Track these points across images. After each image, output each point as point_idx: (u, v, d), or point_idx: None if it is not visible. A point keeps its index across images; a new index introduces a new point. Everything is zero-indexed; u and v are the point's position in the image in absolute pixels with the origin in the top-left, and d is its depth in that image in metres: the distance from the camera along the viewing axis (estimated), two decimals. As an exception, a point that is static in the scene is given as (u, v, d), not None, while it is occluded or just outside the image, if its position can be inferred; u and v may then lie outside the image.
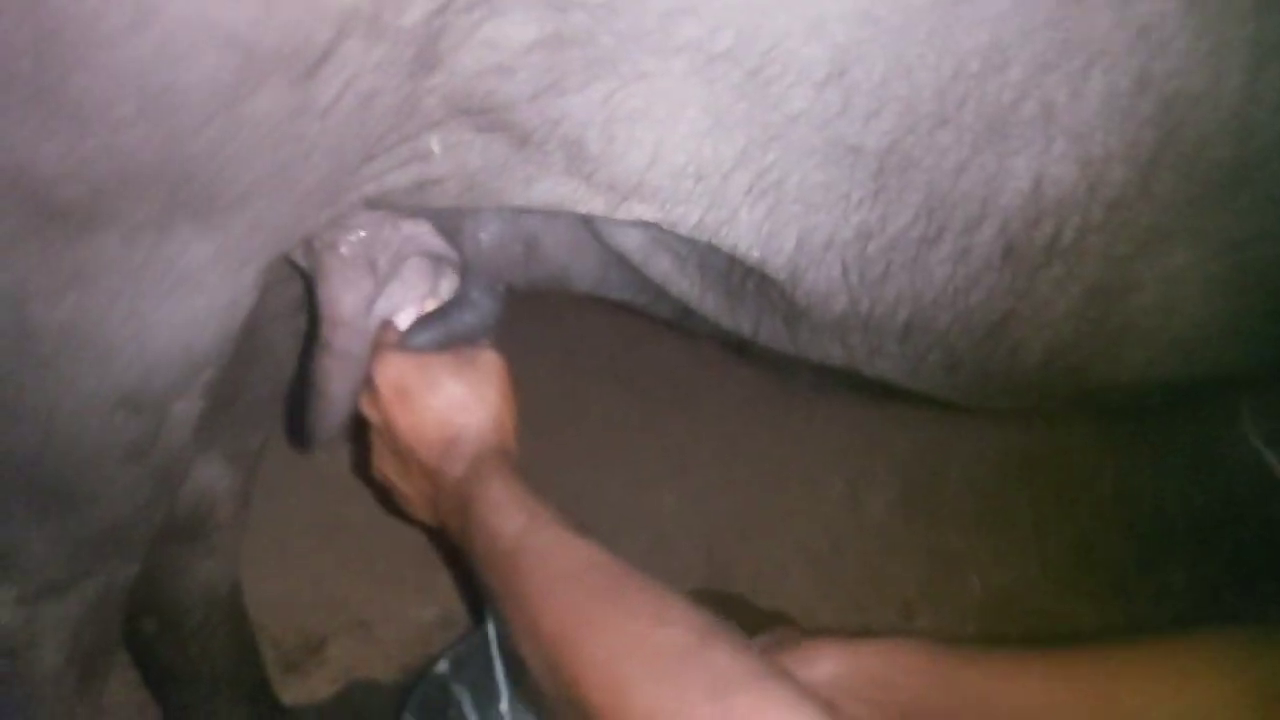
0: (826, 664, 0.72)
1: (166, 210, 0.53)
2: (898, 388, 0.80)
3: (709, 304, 0.72)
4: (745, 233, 0.57)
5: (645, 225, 0.63)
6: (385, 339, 0.71)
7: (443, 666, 0.90)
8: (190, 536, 0.90)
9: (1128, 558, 1.50)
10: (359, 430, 0.75)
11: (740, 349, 0.86)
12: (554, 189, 0.57)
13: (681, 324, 0.83)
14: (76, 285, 0.54)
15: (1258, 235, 0.61)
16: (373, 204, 0.61)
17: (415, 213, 0.66)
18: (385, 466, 0.73)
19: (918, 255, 0.60)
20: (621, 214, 0.57)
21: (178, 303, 0.57)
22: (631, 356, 1.89)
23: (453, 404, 0.67)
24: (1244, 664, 0.61)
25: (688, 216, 0.56)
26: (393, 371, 0.68)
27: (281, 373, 0.84)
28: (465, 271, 0.69)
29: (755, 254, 0.59)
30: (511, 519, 0.58)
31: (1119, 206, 0.58)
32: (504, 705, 0.95)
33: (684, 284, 0.70)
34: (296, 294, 0.78)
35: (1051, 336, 0.67)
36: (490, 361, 0.70)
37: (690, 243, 0.65)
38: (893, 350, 0.70)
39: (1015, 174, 0.56)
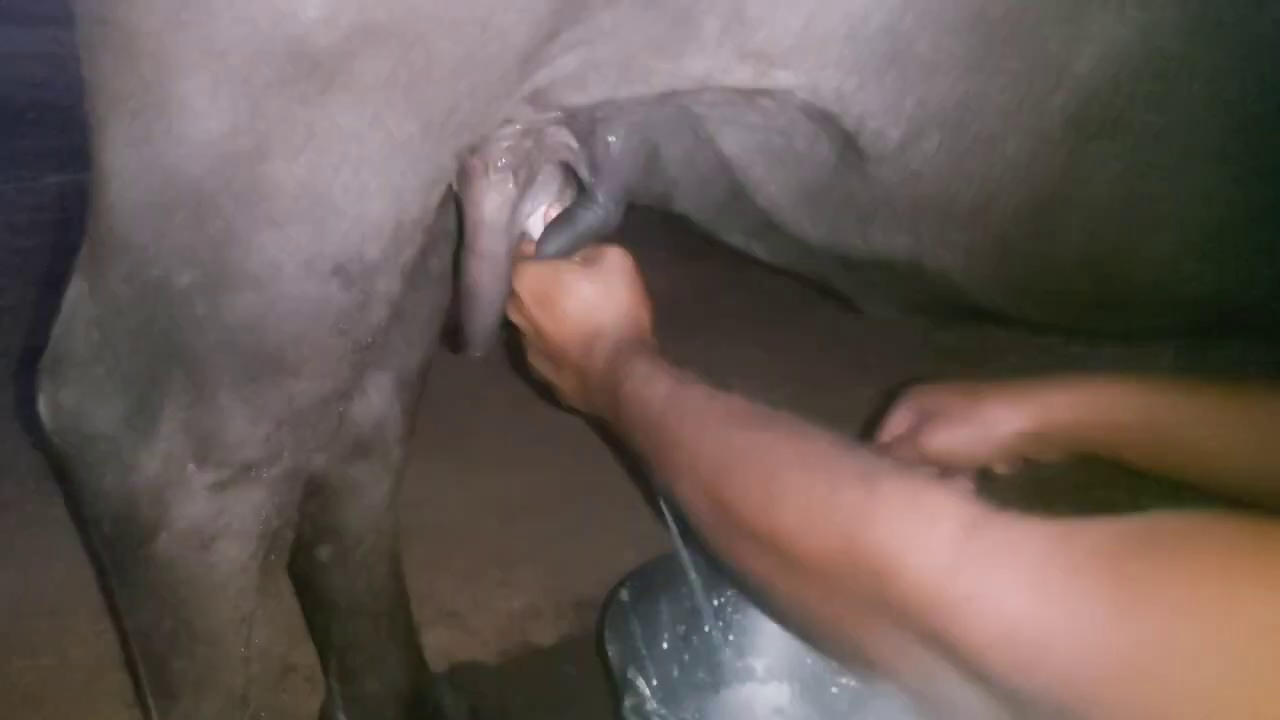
0: (1011, 423, 0.79)
1: (392, 74, 0.57)
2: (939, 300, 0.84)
3: (789, 210, 0.79)
4: (875, 100, 0.65)
5: (754, 129, 0.68)
6: (522, 252, 0.78)
7: (625, 595, 0.99)
8: (367, 454, 0.93)
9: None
10: (511, 334, 0.82)
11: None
12: (703, 63, 0.63)
13: (748, 248, 0.88)
14: (313, 146, 0.58)
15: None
16: (536, 99, 0.66)
17: (557, 121, 0.71)
18: (539, 365, 0.79)
19: (998, 128, 0.68)
20: (764, 82, 0.64)
21: (392, 172, 0.61)
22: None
23: (588, 304, 0.73)
24: None
25: (828, 82, 0.64)
26: (531, 281, 0.76)
27: (440, 298, 0.90)
28: (593, 177, 0.74)
29: (874, 124, 0.66)
30: (660, 385, 0.64)
31: (1166, 82, 0.65)
32: (665, 644, 1.03)
33: (772, 189, 0.78)
34: (452, 225, 0.84)
35: (1088, 218, 0.74)
36: (616, 258, 0.76)
37: (789, 145, 0.70)
38: (954, 237, 0.77)
39: (1090, 39, 0.62)
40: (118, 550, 0.68)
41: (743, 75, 0.63)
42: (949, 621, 0.41)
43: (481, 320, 0.75)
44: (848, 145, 0.69)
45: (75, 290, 0.64)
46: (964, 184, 0.71)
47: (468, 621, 1.42)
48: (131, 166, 0.60)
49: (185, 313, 0.62)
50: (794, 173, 0.74)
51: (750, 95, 0.64)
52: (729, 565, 0.56)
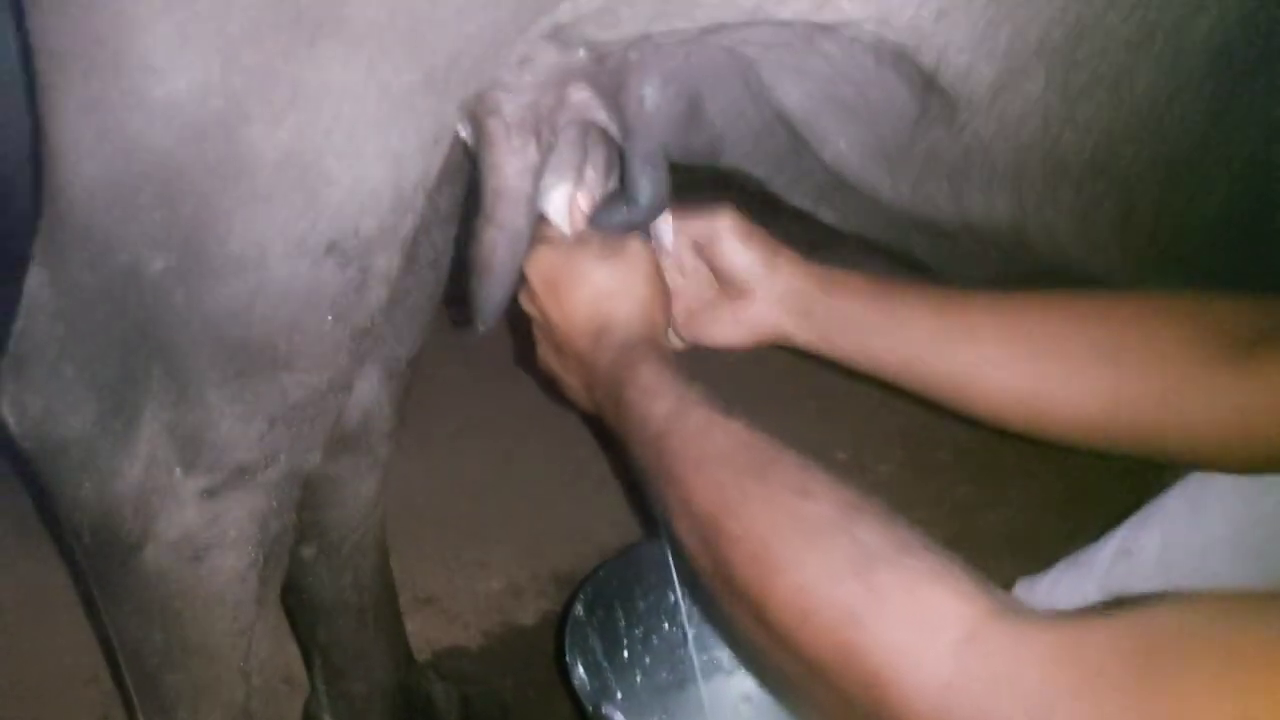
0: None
1: (389, 17, 0.51)
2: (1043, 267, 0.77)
3: (863, 168, 0.70)
4: (958, 33, 0.55)
5: (817, 77, 0.62)
6: (538, 233, 0.71)
7: (579, 609, 0.95)
8: (354, 449, 0.87)
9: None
10: (519, 321, 0.75)
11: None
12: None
13: (814, 207, 0.81)
14: (299, 106, 0.51)
15: None
16: (558, 35, 0.59)
17: (582, 75, 0.65)
18: (547, 358, 0.74)
19: (1125, 63, 0.57)
20: (826, 15, 0.55)
21: (390, 132, 0.55)
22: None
23: (599, 295, 0.68)
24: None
25: (901, 12, 0.55)
26: (543, 265, 0.70)
27: (432, 284, 0.83)
28: (625, 142, 0.68)
29: (961, 61, 0.57)
30: (660, 402, 0.59)
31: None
32: (626, 653, 0.99)
33: (842, 144, 0.69)
34: (451, 201, 0.77)
35: (1238, 171, 0.63)
36: (637, 251, 0.70)
37: (860, 95, 0.64)
38: (1066, 198, 0.67)
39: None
40: (100, 562, 0.63)
41: (801, 6, 0.54)
42: None
43: (492, 294, 0.69)
44: (929, 89, 0.60)
45: (35, 280, 0.58)
46: (1079, 134, 0.60)
47: (447, 605, 1.36)
48: (86, 138, 0.52)
49: (161, 303, 0.55)
50: (868, 126, 0.65)
51: (809, 32, 0.56)
52: (721, 610, 0.53)
